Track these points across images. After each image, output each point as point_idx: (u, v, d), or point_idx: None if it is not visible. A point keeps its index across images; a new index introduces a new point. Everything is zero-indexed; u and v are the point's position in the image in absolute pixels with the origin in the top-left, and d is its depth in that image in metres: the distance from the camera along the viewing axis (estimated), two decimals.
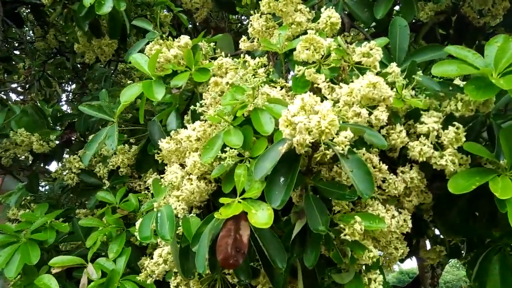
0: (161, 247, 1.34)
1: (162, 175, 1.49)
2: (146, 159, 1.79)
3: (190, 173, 1.35)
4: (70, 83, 5.32)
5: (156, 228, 1.17)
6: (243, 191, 1.14)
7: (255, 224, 1.01)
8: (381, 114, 1.18)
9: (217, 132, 1.30)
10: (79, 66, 4.37)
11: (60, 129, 2.96)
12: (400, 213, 1.29)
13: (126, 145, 2.61)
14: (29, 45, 3.85)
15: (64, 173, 2.78)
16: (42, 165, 3.02)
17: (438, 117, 1.25)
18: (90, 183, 2.68)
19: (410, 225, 1.29)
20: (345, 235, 1.13)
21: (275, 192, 1.07)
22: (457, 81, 1.37)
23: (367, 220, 1.15)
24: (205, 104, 1.47)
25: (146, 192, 2.54)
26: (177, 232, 1.33)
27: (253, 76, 1.23)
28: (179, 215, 1.30)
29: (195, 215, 1.34)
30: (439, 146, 1.25)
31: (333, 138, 1.07)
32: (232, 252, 1.10)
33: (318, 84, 1.27)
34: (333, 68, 1.31)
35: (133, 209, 2.27)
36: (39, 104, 2.90)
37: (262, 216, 1.03)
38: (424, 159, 1.23)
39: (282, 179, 1.09)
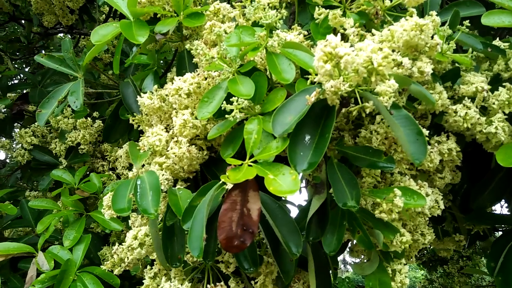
0: (136, 228, 1.06)
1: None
2: (116, 127, 1.48)
3: (178, 136, 1.07)
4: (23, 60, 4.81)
5: (135, 199, 0.89)
6: (252, 155, 0.88)
7: (275, 192, 0.76)
8: (426, 66, 0.95)
9: (217, 82, 1.03)
10: (36, 36, 3.92)
11: (10, 99, 2.56)
12: (432, 192, 1.08)
13: (89, 118, 2.28)
14: None
15: (14, 149, 2.40)
16: None
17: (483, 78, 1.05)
18: (44, 161, 2.31)
19: (442, 207, 1.07)
20: (380, 212, 0.90)
21: (300, 153, 0.82)
22: (497, 42, 1.17)
23: (404, 196, 0.92)
24: (199, 53, 1.19)
25: (111, 173, 2.23)
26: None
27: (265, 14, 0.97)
28: (162, 187, 1.02)
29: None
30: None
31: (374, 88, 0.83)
32: (238, 230, 0.83)
33: (345, 31, 1.03)
34: (362, 13, 1.07)
35: (95, 191, 1.95)
36: None
37: (284, 182, 0.77)
38: (469, 126, 1.02)
39: (307, 137, 0.84)
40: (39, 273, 1.61)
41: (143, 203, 0.88)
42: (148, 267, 1.11)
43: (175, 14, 1.29)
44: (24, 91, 2.69)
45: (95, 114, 2.37)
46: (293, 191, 0.75)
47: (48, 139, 2.43)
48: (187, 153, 1.03)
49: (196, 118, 1.08)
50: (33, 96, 2.56)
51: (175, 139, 1.06)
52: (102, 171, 2.29)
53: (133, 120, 1.32)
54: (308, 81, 0.87)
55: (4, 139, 2.44)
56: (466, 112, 1.01)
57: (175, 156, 1.03)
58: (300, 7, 1.32)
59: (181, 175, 1.11)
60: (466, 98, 1.03)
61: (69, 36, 3.66)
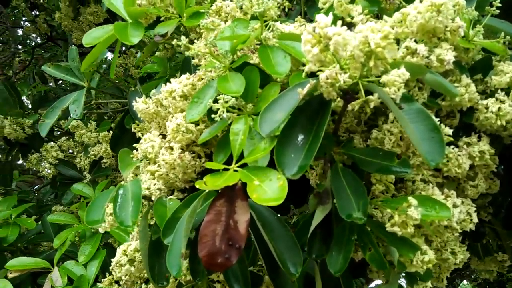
0: (126, 243, 0.97)
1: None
2: (123, 137, 1.43)
3: (171, 142, 0.98)
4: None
5: (113, 210, 0.80)
6: (242, 157, 0.77)
7: (258, 201, 0.64)
8: (446, 54, 0.81)
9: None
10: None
11: (39, 114, 2.60)
12: (461, 202, 0.92)
13: (111, 131, 2.27)
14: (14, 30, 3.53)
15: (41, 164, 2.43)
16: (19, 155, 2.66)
17: None
18: (69, 175, 2.32)
19: (476, 220, 0.91)
20: (392, 225, 0.75)
21: (290, 155, 0.70)
22: None
23: (423, 206, 0.77)
24: (197, 54, 1.11)
25: None
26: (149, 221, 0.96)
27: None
28: (153, 198, 0.94)
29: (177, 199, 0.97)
30: None
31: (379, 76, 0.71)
32: (222, 246, 0.72)
33: (352, 19, 0.91)
34: (372, 0, 0.95)
35: None
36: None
37: (269, 189, 0.65)
38: (504, 123, 0.86)
39: (300, 137, 0.72)
40: None
41: (122, 214, 0.79)
42: (144, 286, 1.02)
43: (178, 16, 1.22)
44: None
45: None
46: (278, 199, 0.63)
47: (75, 154, 2.44)
48: (178, 160, 0.94)
49: (191, 123, 0.99)
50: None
51: (167, 145, 0.97)
52: None
53: (135, 128, 1.25)
54: (304, 74, 0.76)
55: (34, 155, 2.47)
56: (500, 107, 0.85)
57: (166, 163, 0.94)
58: (309, 3, 1.21)
59: (177, 184, 1.02)
60: (499, 91, 0.87)
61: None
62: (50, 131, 2.73)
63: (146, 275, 1.01)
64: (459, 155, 0.89)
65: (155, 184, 0.96)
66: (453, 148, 0.90)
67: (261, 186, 0.67)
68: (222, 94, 0.85)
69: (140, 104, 1.07)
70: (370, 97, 0.72)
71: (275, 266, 0.84)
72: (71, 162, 2.34)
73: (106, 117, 2.57)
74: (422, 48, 0.80)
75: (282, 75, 0.80)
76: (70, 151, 2.46)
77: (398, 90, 0.70)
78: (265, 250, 0.83)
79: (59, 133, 2.78)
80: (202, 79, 1.02)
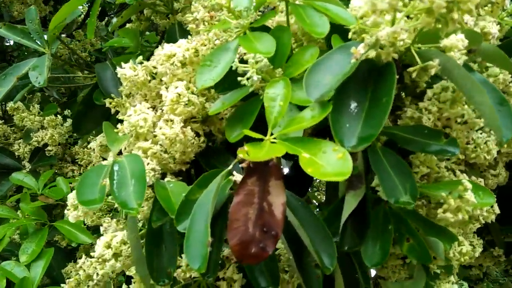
0: (109, 234, 0.79)
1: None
2: (89, 115, 1.22)
3: (169, 114, 0.83)
4: None
5: (111, 189, 0.63)
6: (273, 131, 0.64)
7: (316, 175, 0.52)
8: (492, 27, 0.75)
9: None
10: None
11: None
12: None
13: (59, 116, 2.01)
14: None
15: None
16: None
17: None
18: (5, 164, 2.01)
19: (498, 211, 0.86)
20: (445, 211, 0.67)
21: (345, 125, 0.59)
22: None
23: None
24: (195, 18, 0.97)
25: None
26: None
27: None
28: (147, 179, 0.77)
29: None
30: None
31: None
32: (257, 233, 0.59)
33: None
34: None
35: (61, 197, 1.66)
36: None
37: (326, 162, 0.53)
38: None
39: (353, 104, 0.61)
40: None
41: (122, 194, 0.63)
42: (124, 286, 0.85)
43: None
44: None
45: (67, 112, 2.10)
46: (344, 173, 0.52)
47: (11, 140, 2.13)
48: (181, 134, 0.79)
49: (192, 93, 0.85)
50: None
51: (166, 117, 0.81)
52: (72, 177, 2.00)
53: (110, 103, 1.07)
54: (350, 34, 0.65)
55: None
56: None
57: (166, 138, 0.78)
58: None
59: (170, 166, 0.86)
60: None
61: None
62: None
63: (127, 273, 0.85)
64: (487, 141, 0.83)
65: (148, 163, 0.80)
66: (480, 133, 0.84)
67: (313, 159, 0.55)
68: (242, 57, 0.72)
69: (127, 70, 0.90)
70: (431, 63, 0.63)
71: (302, 259, 0.72)
72: (7, 149, 2.04)
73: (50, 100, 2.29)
74: (469, 19, 0.73)
75: (323, 35, 0.68)
76: (6, 138, 2.14)
77: (462, 55, 0.62)
78: (292, 241, 0.71)
79: None
80: (205, 44, 0.88)
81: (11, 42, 3.79)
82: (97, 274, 0.87)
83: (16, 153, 2.02)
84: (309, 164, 0.54)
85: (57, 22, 0.97)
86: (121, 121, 1.08)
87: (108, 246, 0.76)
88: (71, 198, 0.86)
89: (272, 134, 0.64)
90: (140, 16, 1.45)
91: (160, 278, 0.70)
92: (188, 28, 1.00)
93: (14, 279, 1.35)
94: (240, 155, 0.55)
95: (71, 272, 1.58)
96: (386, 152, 0.71)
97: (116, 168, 0.67)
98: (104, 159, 1.52)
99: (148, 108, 0.88)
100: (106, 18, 3.45)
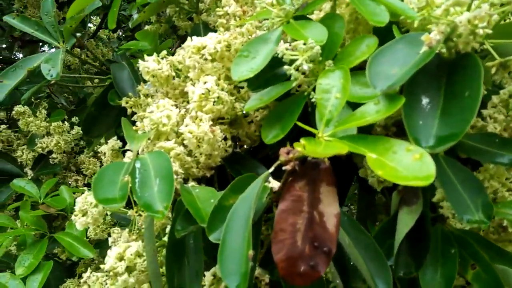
0: (123, 244, 0.69)
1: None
2: (102, 117, 1.13)
3: (197, 112, 0.73)
4: None
5: (133, 189, 0.53)
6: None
7: (391, 178, 0.42)
8: None
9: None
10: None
11: None
12: None
13: (66, 123, 1.92)
14: None
15: None
16: None
17: None
18: (6, 170, 1.91)
19: None
20: None
21: (418, 121, 0.49)
22: None
23: None
24: (225, 12, 0.89)
25: (86, 189, 1.84)
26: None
27: None
28: None
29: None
30: None
31: None
32: (306, 248, 0.49)
33: None
34: None
35: (63, 207, 1.56)
36: None
37: (398, 164, 0.44)
38: None
39: (425, 100, 0.52)
40: None
41: (145, 194, 0.53)
42: None
43: None
44: None
45: (74, 119, 2.02)
46: (426, 178, 0.42)
47: (15, 146, 2.04)
48: (209, 133, 0.69)
49: (222, 90, 0.76)
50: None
51: (193, 114, 0.72)
52: (75, 187, 1.90)
53: (126, 103, 0.98)
54: (416, 23, 0.56)
55: None
56: None
57: (193, 136, 0.69)
58: None
59: (193, 171, 0.76)
60: None
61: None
62: None
63: None
64: None
65: None
66: None
67: (381, 160, 0.45)
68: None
69: (150, 63, 0.82)
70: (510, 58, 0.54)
71: (348, 283, 0.61)
72: (9, 155, 1.95)
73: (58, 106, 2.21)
74: None
75: (382, 24, 0.59)
76: (9, 144, 2.05)
77: None
78: (336, 261, 0.60)
79: None
80: (238, 38, 0.80)
81: (20, 56, 3.75)
82: None
83: (19, 160, 1.93)
84: (378, 166, 0.44)
85: (74, 12, 0.89)
86: (135, 123, 0.99)
87: (121, 258, 0.65)
88: (80, 202, 0.76)
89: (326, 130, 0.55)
90: (160, 19, 1.38)
91: None
92: (216, 25, 0.92)
93: None
94: (296, 146, 0.45)
95: None
96: (450, 162, 0.61)
97: (138, 165, 0.58)
98: None
99: (172, 105, 0.78)
100: (118, 31, 3.43)
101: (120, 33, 3.46)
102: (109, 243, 0.88)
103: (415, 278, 0.61)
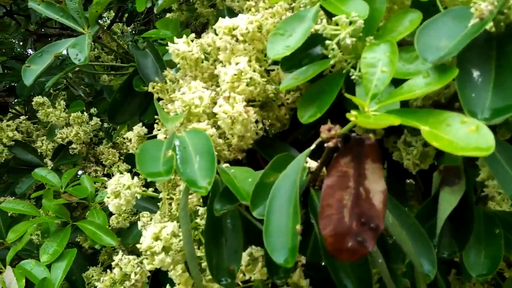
0: (158, 224, 0.68)
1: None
2: (127, 104, 1.13)
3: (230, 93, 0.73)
4: None
5: (175, 163, 0.52)
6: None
7: (448, 149, 0.41)
8: None
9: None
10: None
11: None
12: None
13: (85, 114, 1.93)
14: None
15: None
16: None
17: None
18: (26, 160, 1.93)
19: None
20: None
21: (471, 94, 0.48)
22: None
23: None
24: None
25: (106, 179, 1.85)
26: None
27: None
28: None
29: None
30: None
31: None
32: (353, 223, 0.48)
33: None
34: None
35: (85, 196, 1.57)
36: None
37: (453, 136, 0.42)
38: None
39: (476, 73, 0.50)
40: None
41: (187, 170, 0.52)
42: (168, 286, 0.74)
43: None
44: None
45: (93, 110, 2.03)
46: (485, 149, 0.40)
47: (34, 137, 2.06)
48: (244, 114, 0.69)
49: (253, 71, 0.75)
50: (22, 89, 2.21)
51: (226, 94, 0.71)
52: (95, 177, 1.91)
53: (153, 88, 0.98)
54: None
55: None
56: None
57: (227, 116, 0.68)
58: None
59: (224, 154, 0.76)
60: None
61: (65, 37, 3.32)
62: (4, 108, 2.34)
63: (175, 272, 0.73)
64: None
65: None
66: None
67: (435, 133, 0.44)
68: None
69: (181, 45, 0.81)
70: None
71: (388, 264, 0.60)
72: (29, 146, 1.96)
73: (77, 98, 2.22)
74: None
75: None
76: (28, 135, 2.06)
77: None
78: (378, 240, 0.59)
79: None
80: (269, 19, 0.79)
81: (31, 52, 3.76)
82: (135, 273, 0.77)
83: (39, 150, 1.94)
84: (433, 138, 0.43)
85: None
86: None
87: (157, 238, 0.65)
88: (113, 184, 0.75)
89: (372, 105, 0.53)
90: (181, 6, 1.38)
91: (221, 275, 0.59)
92: (245, 7, 0.91)
93: (34, 280, 1.24)
94: (348, 116, 0.44)
95: (92, 276, 1.47)
96: (497, 142, 0.59)
97: (176, 143, 0.57)
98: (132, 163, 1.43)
99: (202, 86, 0.78)
100: (133, 24, 3.44)
101: (133, 26, 3.47)
102: (139, 227, 0.88)
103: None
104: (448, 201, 0.61)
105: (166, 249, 0.65)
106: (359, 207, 0.49)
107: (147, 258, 0.63)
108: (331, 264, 0.55)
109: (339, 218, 0.48)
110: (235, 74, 0.72)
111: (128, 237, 1.58)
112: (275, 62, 0.85)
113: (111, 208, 0.74)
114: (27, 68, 0.95)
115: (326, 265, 0.54)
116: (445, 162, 0.63)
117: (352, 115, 0.44)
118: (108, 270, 0.81)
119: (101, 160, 1.97)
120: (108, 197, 0.75)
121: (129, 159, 1.97)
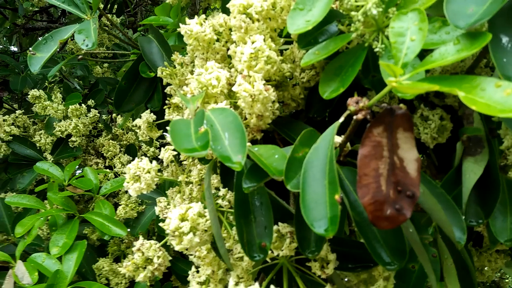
0: (184, 206, 0.68)
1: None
2: (133, 91, 1.12)
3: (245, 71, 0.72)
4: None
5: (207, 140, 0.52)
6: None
7: (485, 110, 0.41)
8: None
9: None
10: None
11: None
12: None
13: (84, 106, 1.91)
14: None
15: None
16: None
17: None
18: (25, 155, 1.90)
19: None
20: None
21: (502, 59, 0.48)
22: None
23: None
24: None
25: (108, 171, 1.84)
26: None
27: None
28: None
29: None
30: None
31: None
32: (390, 192, 0.48)
33: None
34: None
35: (90, 188, 1.55)
36: None
37: (489, 100, 0.43)
38: None
39: (505, 39, 0.50)
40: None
41: (218, 147, 0.52)
42: (193, 268, 0.74)
43: None
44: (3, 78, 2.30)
45: (90, 102, 2.00)
46: None
47: (31, 132, 2.03)
48: (264, 92, 0.68)
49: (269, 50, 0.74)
50: (15, 83, 2.17)
51: (245, 73, 0.71)
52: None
53: (162, 72, 0.97)
54: None
55: None
56: None
57: (248, 94, 0.67)
58: None
59: None
60: None
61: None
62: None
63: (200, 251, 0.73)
64: None
65: None
66: None
67: (470, 97, 0.44)
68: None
69: (194, 26, 0.80)
70: None
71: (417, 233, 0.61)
72: (28, 140, 1.93)
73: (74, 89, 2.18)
74: None
75: None
76: (25, 130, 2.03)
77: None
78: None
79: None
80: None
81: (14, 49, 3.66)
82: (157, 257, 0.77)
83: (37, 145, 1.92)
84: (470, 102, 0.43)
85: None
86: (166, 97, 0.97)
87: (183, 219, 0.64)
88: (132, 168, 0.75)
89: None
90: None
91: (253, 252, 0.59)
92: None
93: (46, 273, 1.24)
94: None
95: (103, 267, 1.47)
96: None
97: (204, 121, 0.57)
98: (151, 139, 1.42)
99: (217, 66, 0.77)
100: (122, 16, 3.38)
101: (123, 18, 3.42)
102: (156, 213, 0.88)
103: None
104: (472, 170, 0.62)
105: (193, 230, 0.64)
106: (395, 175, 0.49)
107: (173, 240, 0.62)
108: (364, 235, 0.55)
109: (377, 186, 0.48)
110: (252, 53, 0.72)
111: (134, 227, 1.58)
112: (287, 42, 0.85)
113: (132, 192, 0.74)
114: (33, 55, 0.93)
115: (360, 235, 0.55)
116: (468, 132, 0.64)
117: (392, 81, 0.44)
118: (129, 256, 0.81)
119: (101, 152, 1.95)
120: (128, 182, 0.75)
121: (130, 150, 1.96)
